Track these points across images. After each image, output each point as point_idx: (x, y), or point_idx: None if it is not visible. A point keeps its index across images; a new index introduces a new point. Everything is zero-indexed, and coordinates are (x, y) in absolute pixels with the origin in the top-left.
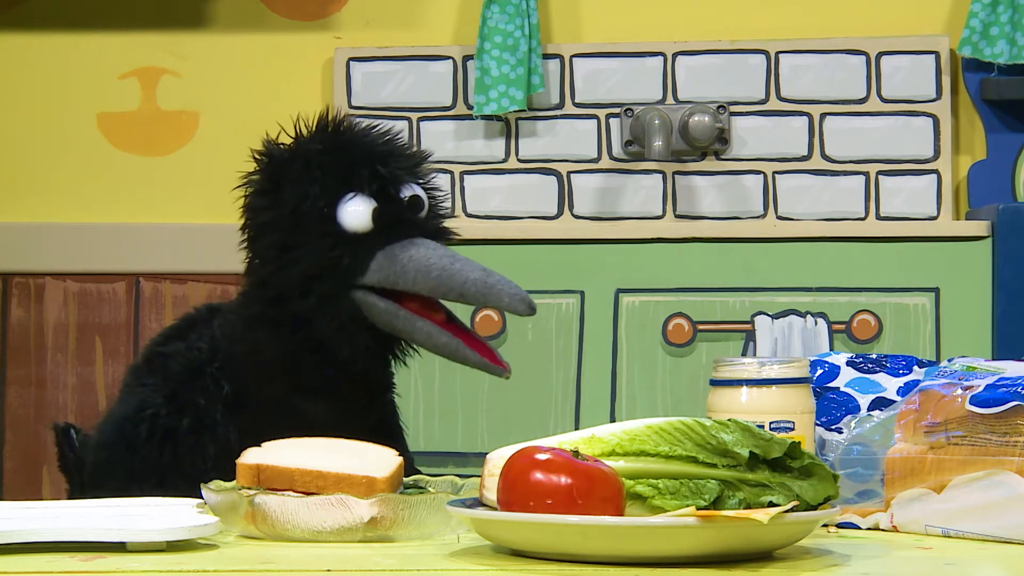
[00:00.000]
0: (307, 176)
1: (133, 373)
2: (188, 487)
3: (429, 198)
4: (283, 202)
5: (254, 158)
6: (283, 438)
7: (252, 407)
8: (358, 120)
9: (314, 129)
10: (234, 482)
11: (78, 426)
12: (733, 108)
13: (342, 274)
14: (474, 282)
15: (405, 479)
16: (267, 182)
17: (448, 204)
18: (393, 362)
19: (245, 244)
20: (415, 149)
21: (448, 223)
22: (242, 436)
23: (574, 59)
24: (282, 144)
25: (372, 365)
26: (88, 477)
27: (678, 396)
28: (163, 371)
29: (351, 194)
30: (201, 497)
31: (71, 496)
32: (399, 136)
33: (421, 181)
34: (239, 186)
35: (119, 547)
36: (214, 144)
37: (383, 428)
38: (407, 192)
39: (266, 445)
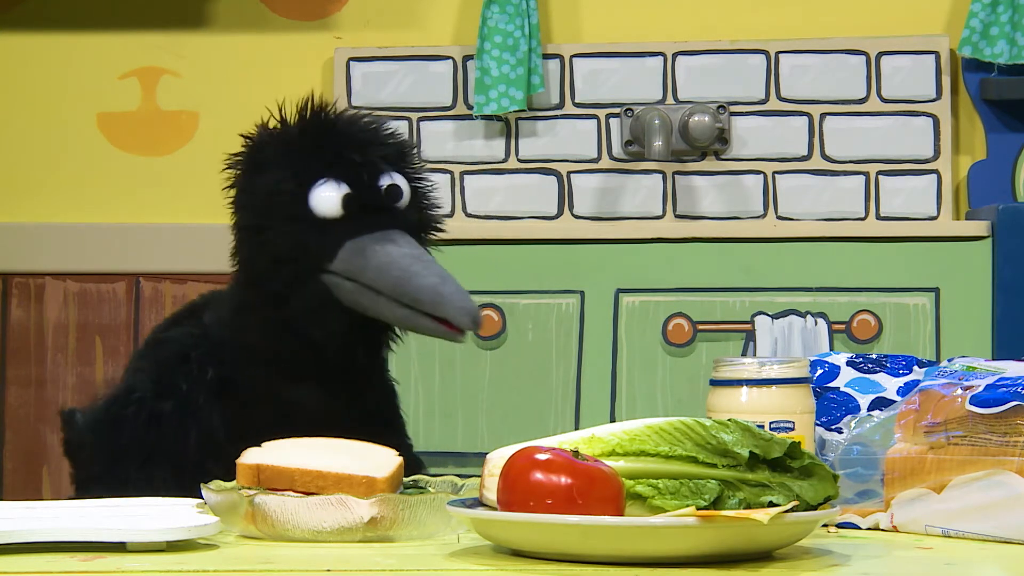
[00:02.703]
0: (283, 159)
1: (133, 357)
2: (171, 471)
3: (415, 188)
4: (259, 184)
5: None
6: (268, 425)
7: (237, 392)
8: (347, 108)
9: (301, 114)
10: (234, 482)
11: (84, 409)
12: (733, 108)
13: (310, 259)
14: (427, 289)
15: (405, 479)
16: (248, 164)
17: (437, 196)
18: (380, 347)
19: (232, 227)
20: (401, 138)
21: (436, 214)
22: (228, 421)
23: (574, 59)
24: (271, 127)
25: (352, 349)
26: (76, 457)
27: (678, 396)
28: (155, 356)
29: (323, 179)
30: (182, 484)
31: (74, 479)
32: (386, 125)
33: (407, 171)
34: (225, 168)
35: (119, 547)
36: (214, 144)
37: (377, 416)
38: (386, 181)
39: (266, 445)
